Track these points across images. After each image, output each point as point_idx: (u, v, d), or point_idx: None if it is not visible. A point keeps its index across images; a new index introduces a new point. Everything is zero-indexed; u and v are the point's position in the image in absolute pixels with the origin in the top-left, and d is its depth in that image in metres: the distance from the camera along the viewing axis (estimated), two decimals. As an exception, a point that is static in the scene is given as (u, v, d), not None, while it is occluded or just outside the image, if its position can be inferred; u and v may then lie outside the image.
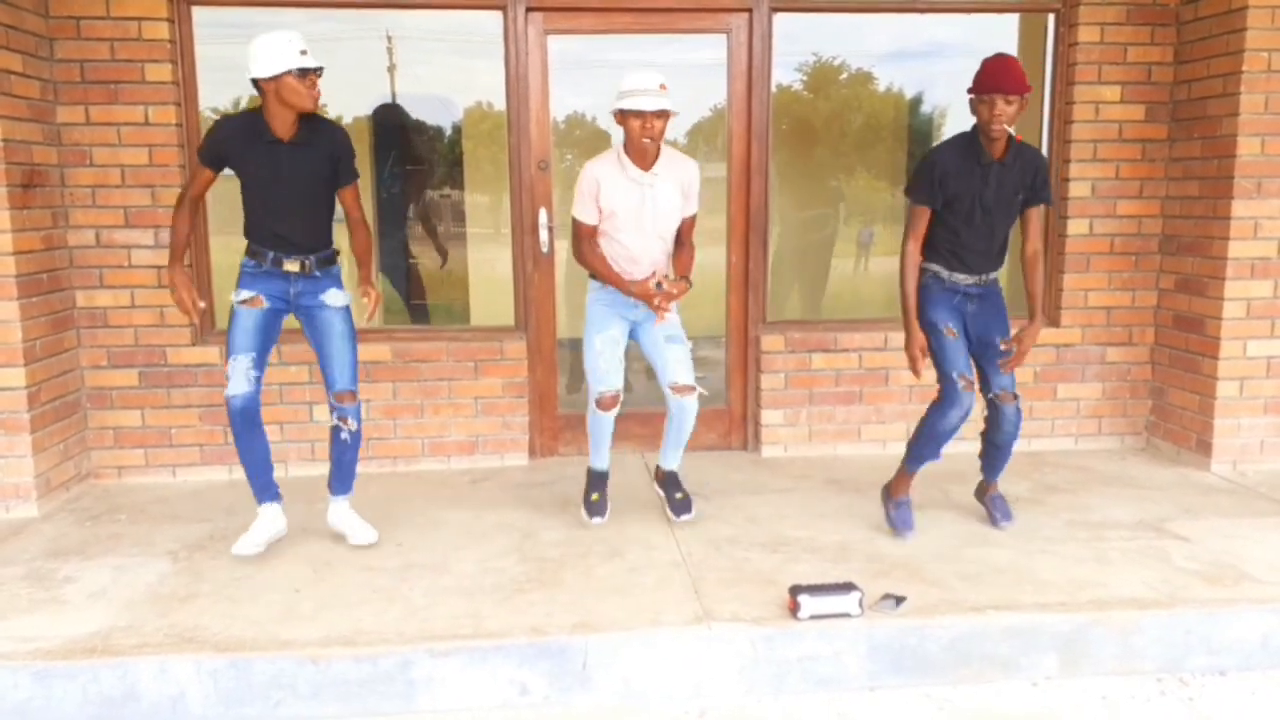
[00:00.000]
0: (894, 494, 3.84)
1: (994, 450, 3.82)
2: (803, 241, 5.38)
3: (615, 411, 3.75)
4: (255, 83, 3.29)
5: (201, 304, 3.48)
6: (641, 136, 3.47)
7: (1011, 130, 3.45)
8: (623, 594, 3.22)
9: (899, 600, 3.10)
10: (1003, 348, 3.63)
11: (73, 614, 3.11)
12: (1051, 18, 4.86)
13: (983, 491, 3.96)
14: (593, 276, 3.72)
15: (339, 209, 3.59)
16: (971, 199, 3.50)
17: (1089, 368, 4.97)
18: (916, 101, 5.36)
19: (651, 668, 2.94)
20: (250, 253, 3.50)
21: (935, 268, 3.64)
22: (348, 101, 4.97)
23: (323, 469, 4.62)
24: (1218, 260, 4.51)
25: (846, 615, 3.00)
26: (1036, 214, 3.59)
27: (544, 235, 4.75)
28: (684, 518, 3.85)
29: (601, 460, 3.94)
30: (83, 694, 2.79)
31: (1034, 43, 4.98)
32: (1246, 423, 4.60)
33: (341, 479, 3.73)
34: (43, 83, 4.22)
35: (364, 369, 4.60)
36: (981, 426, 3.85)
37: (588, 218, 3.63)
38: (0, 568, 3.52)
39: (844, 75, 5.30)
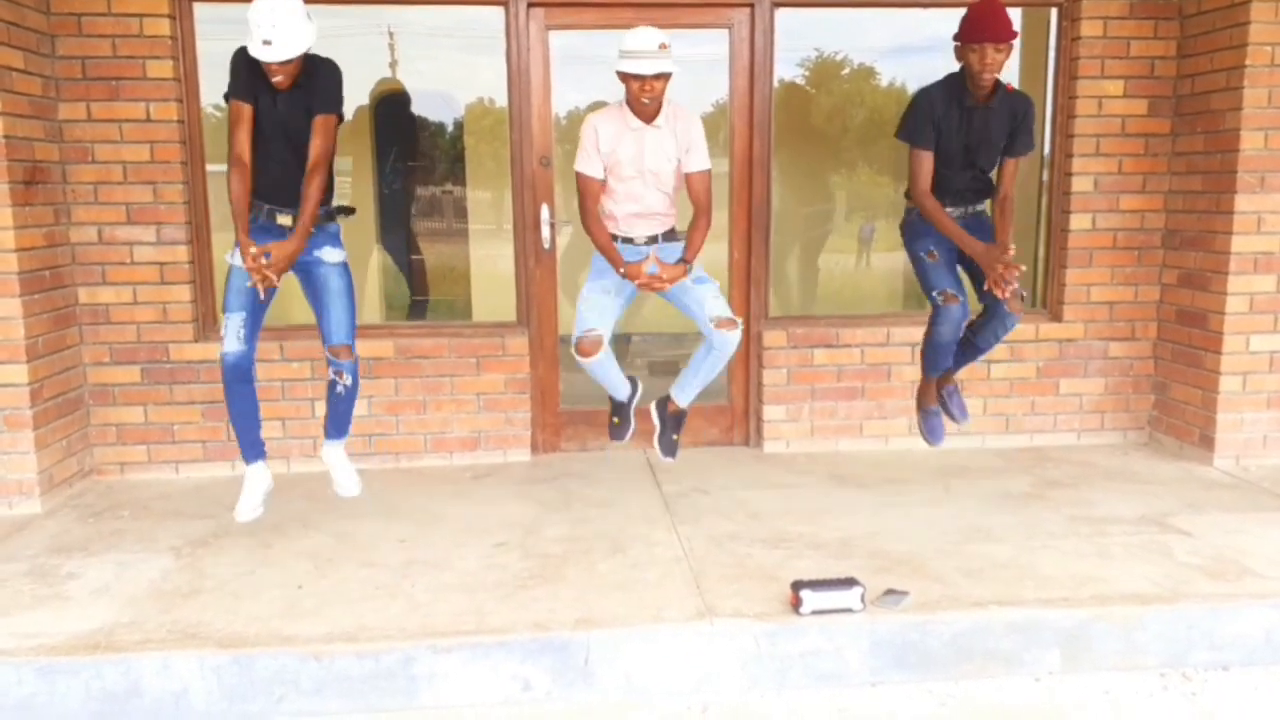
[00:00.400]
0: (922, 404, 3.90)
1: (968, 346, 3.83)
2: (804, 237, 5.37)
3: (598, 355, 3.67)
4: None
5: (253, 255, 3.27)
6: (640, 97, 3.48)
7: (1000, 77, 3.45)
8: (625, 590, 3.22)
9: (901, 595, 3.10)
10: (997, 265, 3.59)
11: (76, 610, 3.11)
12: (1054, 12, 4.85)
13: (949, 387, 3.97)
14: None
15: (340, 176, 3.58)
16: (952, 139, 3.53)
17: (1091, 363, 4.97)
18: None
19: (654, 663, 2.94)
20: (256, 193, 3.47)
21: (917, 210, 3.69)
22: (348, 96, 4.96)
23: (326, 466, 4.63)
24: (1220, 255, 4.50)
25: (849, 611, 3.00)
26: (1012, 164, 3.63)
27: (546, 231, 4.74)
28: (667, 460, 3.88)
29: (619, 391, 3.93)
30: (86, 690, 2.80)
31: (1037, 37, 4.97)
32: (1249, 417, 4.59)
33: (336, 424, 3.76)
34: (44, 79, 4.22)
35: (366, 365, 4.61)
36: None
37: (592, 170, 3.62)
38: (3, 564, 3.53)
39: (846, 70, 5.30)
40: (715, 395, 5.12)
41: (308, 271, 3.54)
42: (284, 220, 3.46)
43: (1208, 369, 4.61)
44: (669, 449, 3.91)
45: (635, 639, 2.94)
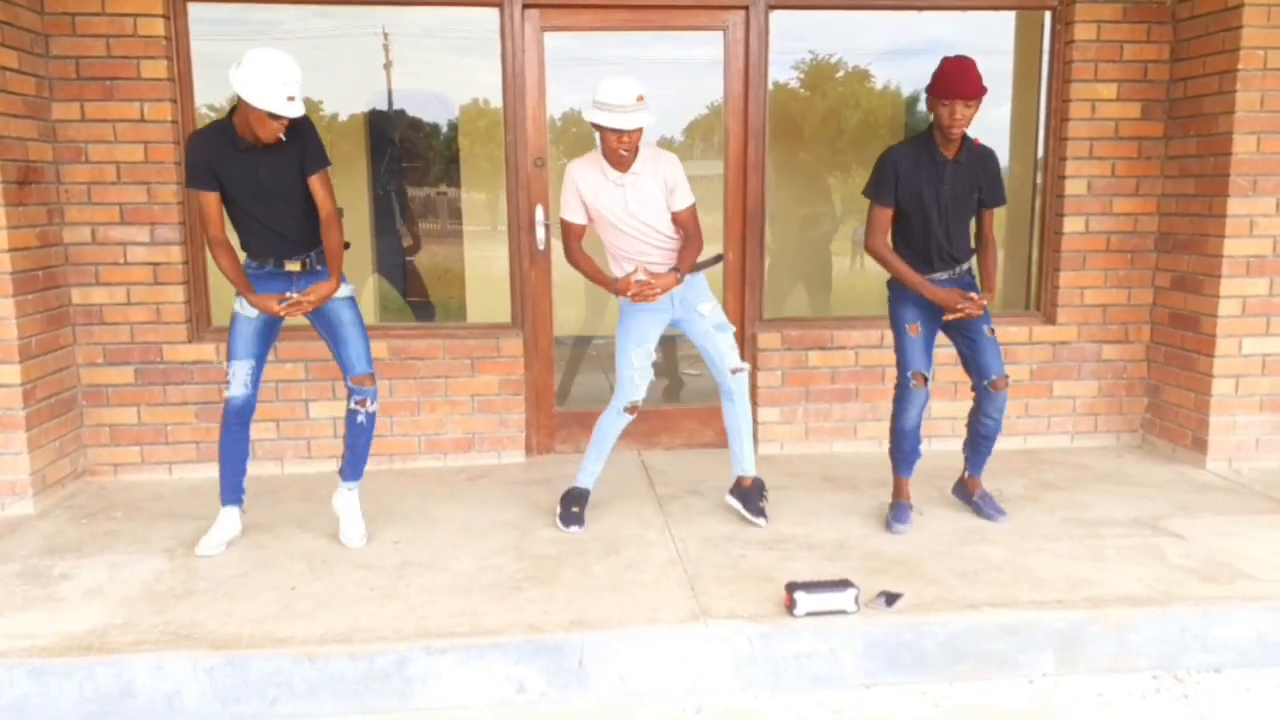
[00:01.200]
0: (893, 497, 3.90)
1: (980, 441, 3.89)
2: (799, 239, 5.38)
3: (633, 419, 3.83)
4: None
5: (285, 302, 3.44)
6: (619, 150, 3.47)
7: (968, 132, 3.53)
8: (619, 591, 3.22)
9: (895, 597, 3.11)
10: (988, 334, 3.70)
11: (69, 611, 3.10)
12: (1048, 15, 4.86)
13: (968, 490, 4.00)
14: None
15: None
16: (928, 196, 3.57)
17: (1085, 365, 4.98)
18: (914, 99, 5.37)
19: (648, 665, 2.94)
20: (252, 254, 3.52)
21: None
22: (344, 98, 4.97)
23: (320, 466, 4.64)
24: (1213, 258, 4.51)
25: (843, 612, 3.01)
26: (989, 214, 3.72)
27: (540, 233, 4.74)
28: (761, 521, 3.81)
29: (589, 477, 3.94)
30: (79, 691, 2.79)
31: (1031, 40, 4.99)
32: (1242, 420, 4.61)
33: (353, 463, 3.74)
34: (38, 79, 4.21)
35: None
36: (968, 421, 3.93)
37: (574, 217, 3.66)
38: (-4, 565, 3.52)
39: (841, 73, 5.31)
40: (709, 398, 5.13)
41: (319, 309, 3.56)
42: (292, 266, 3.51)
43: (1200, 372, 4.63)
44: (759, 513, 3.87)
45: (629, 640, 2.94)
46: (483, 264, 5.14)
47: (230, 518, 3.70)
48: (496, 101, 4.73)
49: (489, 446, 4.80)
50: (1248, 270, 4.48)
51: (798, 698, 2.94)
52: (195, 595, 3.22)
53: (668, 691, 2.94)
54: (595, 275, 3.71)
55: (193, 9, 4.44)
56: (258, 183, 3.37)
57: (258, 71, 3.15)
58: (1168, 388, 4.88)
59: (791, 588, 3.04)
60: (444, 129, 5.26)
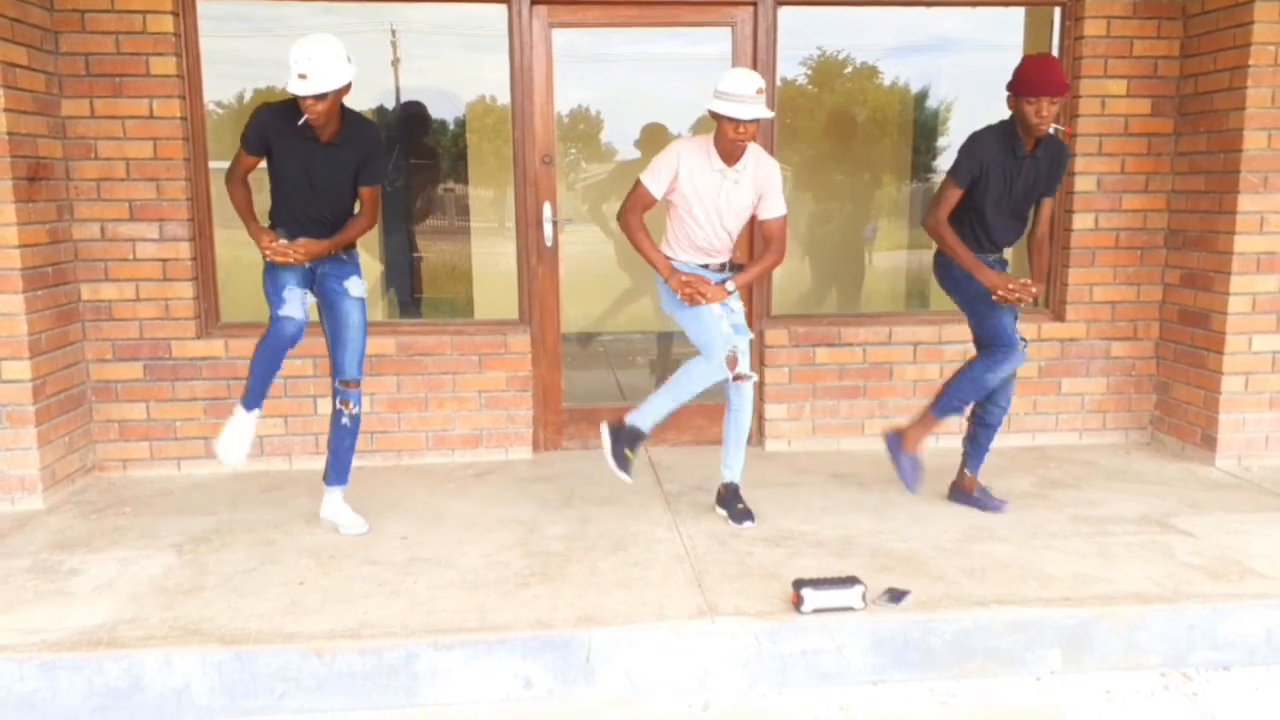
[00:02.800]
0: (908, 447, 3.90)
1: (982, 430, 3.92)
2: (812, 236, 5.38)
3: (734, 372, 3.74)
4: None
5: (281, 244, 3.46)
6: (734, 140, 3.50)
7: (1060, 128, 3.59)
8: (627, 588, 3.23)
9: (902, 594, 3.10)
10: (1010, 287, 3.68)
11: (78, 606, 3.12)
12: (1058, 11, 4.84)
13: (965, 490, 4.00)
14: (670, 258, 3.74)
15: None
16: (1003, 187, 3.61)
17: (1094, 362, 4.96)
18: (922, 96, 5.35)
19: (655, 661, 2.94)
20: (281, 226, 3.55)
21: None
22: (351, 95, 4.96)
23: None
24: (1223, 255, 4.49)
25: (850, 609, 3.00)
26: (1048, 204, 3.75)
27: (548, 229, 4.74)
28: (746, 525, 3.78)
29: (652, 420, 3.84)
30: (88, 686, 2.80)
31: (1040, 36, 4.97)
32: (1251, 417, 4.59)
33: (338, 468, 3.77)
34: (48, 76, 4.22)
35: (368, 362, 4.59)
36: (972, 411, 3.95)
37: (654, 187, 3.63)
38: (6, 560, 3.53)
39: (849, 69, 5.30)
40: (716, 395, 5.12)
41: (332, 302, 3.61)
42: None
43: (1210, 369, 4.61)
44: (742, 516, 3.82)
45: (637, 637, 2.95)
46: (490, 260, 5.15)
47: (250, 420, 3.68)
48: (504, 98, 4.73)
49: (496, 443, 4.81)
50: (1258, 267, 4.46)
51: (805, 694, 2.94)
52: (204, 590, 3.23)
53: (675, 688, 2.94)
54: (648, 249, 3.67)
55: (202, 6, 4.45)
56: (310, 170, 3.43)
57: (291, 52, 3.22)
58: (1177, 385, 4.86)
59: (798, 584, 3.04)
60: (451, 125, 5.26)
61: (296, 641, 2.87)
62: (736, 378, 3.74)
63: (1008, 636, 3.02)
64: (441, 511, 4.02)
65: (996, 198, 3.63)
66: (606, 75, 5.12)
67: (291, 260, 3.45)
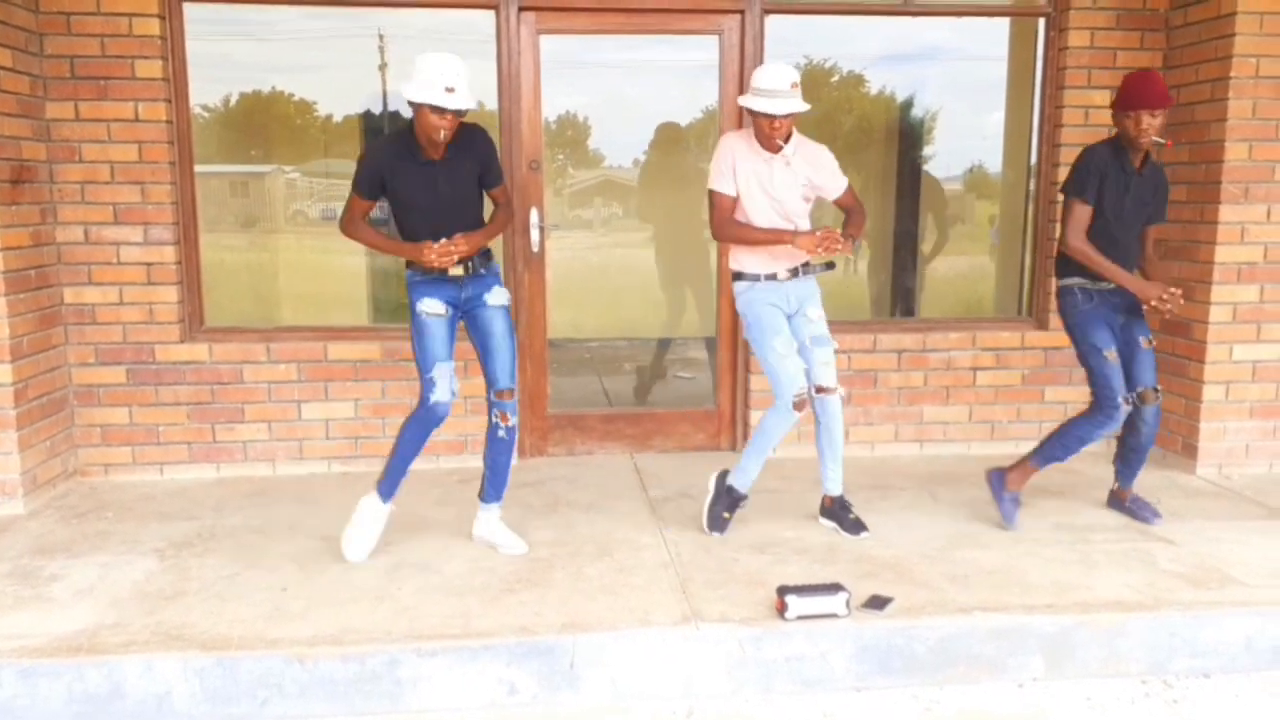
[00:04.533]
0: (1009, 486, 3.91)
1: (1133, 454, 3.93)
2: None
3: (801, 415, 3.65)
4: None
5: (442, 244, 3.35)
6: (773, 136, 3.50)
7: (1161, 141, 3.56)
8: (612, 594, 3.23)
9: (886, 601, 3.11)
10: (1145, 346, 3.76)
11: (59, 612, 3.10)
12: (1042, 22, 4.88)
13: (1120, 499, 4.04)
14: (740, 277, 3.70)
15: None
16: (1114, 203, 3.63)
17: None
18: (908, 104, 5.38)
19: (639, 667, 2.94)
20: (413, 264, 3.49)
21: (1079, 281, 3.73)
22: (339, 100, 4.96)
23: (311, 467, 4.64)
24: (1205, 265, 4.53)
25: (834, 616, 3.01)
26: (1153, 231, 3.80)
27: (535, 235, 4.75)
28: (863, 535, 3.74)
29: (748, 477, 3.81)
30: (68, 692, 2.78)
31: (1024, 46, 5.01)
32: (1232, 426, 4.63)
33: (495, 484, 3.66)
34: (32, 78, 4.20)
35: (352, 368, 4.61)
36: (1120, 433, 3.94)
37: (726, 188, 3.62)
38: (-14, 565, 3.51)
39: (836, 78, 5.32)
40: (702, 401, 5.14)
41: (474, 315, 3.53)
42: (456, 271, 3.45)
43: (1191, 378, 4.65)
44: (855, 527, 3.80)
45: (621, 643, 2.94)
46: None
47: (384, 514, 3.63)
48: (492, 104, 4.73)
49: (481, 448, 4.78)
50: (1239, 277, 4.50)
51: (789, 701, 2.94)
52: (186, 596, 3.21)
53: (659, 694, 2.94)
54: (765, 236, 3.59)
55: (188, 9, 4.44)
56: (435, 193, 3.37)
57: (418, 71, 3.18)
58: (1159, 393, 4.89)
59: (783, 591, 3.04)
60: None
61: (279, 647, 2.86)
62: (819, 390, 3.68)
63: (991, 643, 3.03)
64: (426, 517, 4.01)
65: (1111, 215, 3.62)
66: (594, 81, 5.12)
67: (457, 257, 3.35)
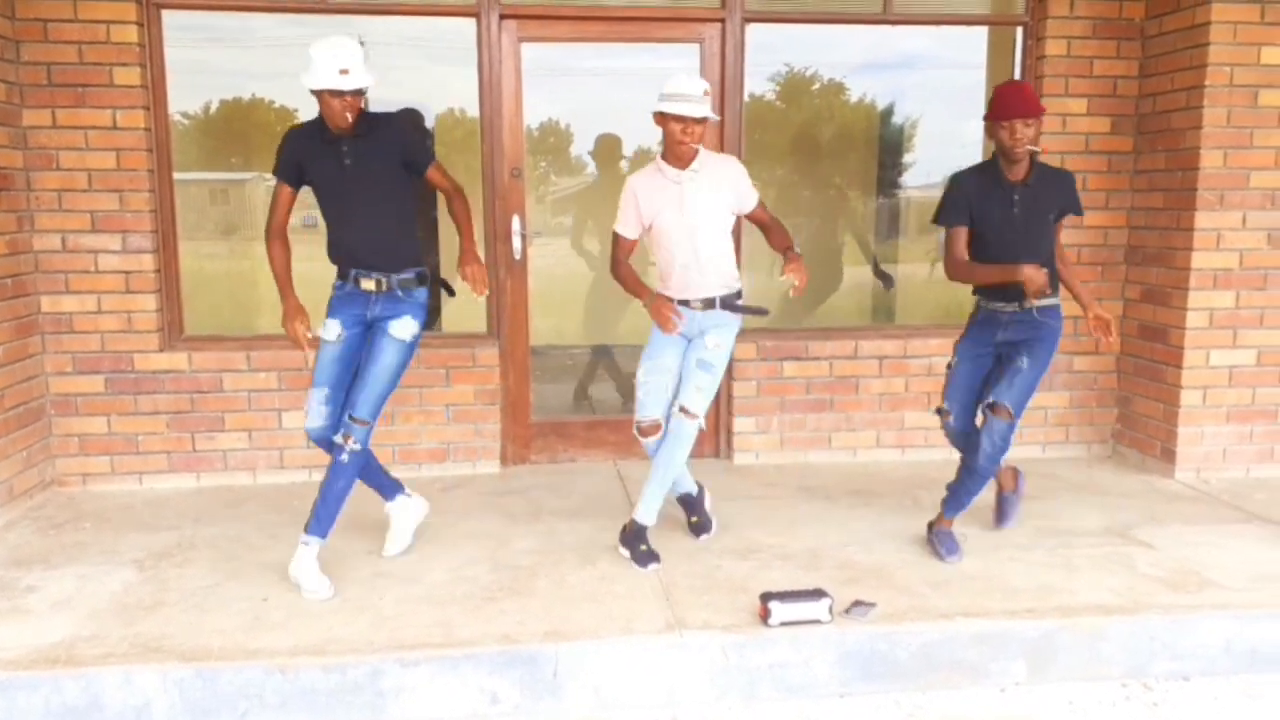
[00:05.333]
0: (1005, 487, 3.95)
1: (965, 472, 3.63)
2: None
3: (655, 439, 3.65)
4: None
5: (311, 335, 3.37)
6: (681, 141, 3.47)
7: (1036, 149, 3.49)
8: (595, 602, 3.22)
9: (869, 607, 3.12)
10: (1017, 364, 3.55)
11: (35, 623, 3.06)
12: (1020, 31, 4.93)
13: (944, 529, 3.71)
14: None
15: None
16: (1000, 220, 3.51)
17: (1056, 376, 5.03)
18: (888, 112, 5.41)
19: (622, 676, 2.94)
20: (338, 273, 3.46)
21: (978, 295, 3.69)
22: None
23: (292, 476, 4.62)
24: (1181, 271, 4.58)
25: (817, 622, 3.02)
26: (1057, 227, 3.61)
27: (517, 242, 4.74)
28: (652, 567, 3.53)
29: (647, 513, 3.62)
30: (45, 705, 2.75)
31: (1003, 55, 5.05)
32: (1210, 431, 4.67)
33: (320, 514, 3.33)
34: (8, 85, 4.16)
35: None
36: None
37: (626, 231, 3.64)
38: (-39, 577, 3.47)
39: (816, 86, 5.35)
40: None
41: (373, 337, 3.41)
42: (368, 285, 3.37)
43: (1169, 383, 4.69)
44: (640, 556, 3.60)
45: (604, 651, 2.94)
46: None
47: (408, 507, 3.66)
48: (474, 111, 4.73)
49: (464, 457, 4.79)
50: (1215, 283, 4.55)
51: (772, 708, 2.94)
52: (165, 607, 3.18)
53: (642, 702, 2.94)
54: (635, 287, 3.66)
55: (167, 16, 4.42)
56: (342, 176, 3.31)
57: (313, 55, 3.18)
58: (1137, 399, 4.94)
59: (766, 597, 3.05)
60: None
61: (259, 658, 2.84)
62: (680, 409, 3.55)
63: (973, 648, 3.05)
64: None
65: (1001, 234, 3.51)
66: (576, 89, 5.13)
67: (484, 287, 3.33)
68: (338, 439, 3.36)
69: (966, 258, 3.56)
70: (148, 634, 2.98)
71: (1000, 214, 3.51)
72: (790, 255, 3.55)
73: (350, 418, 3.35)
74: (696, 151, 3.55)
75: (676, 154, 3.53)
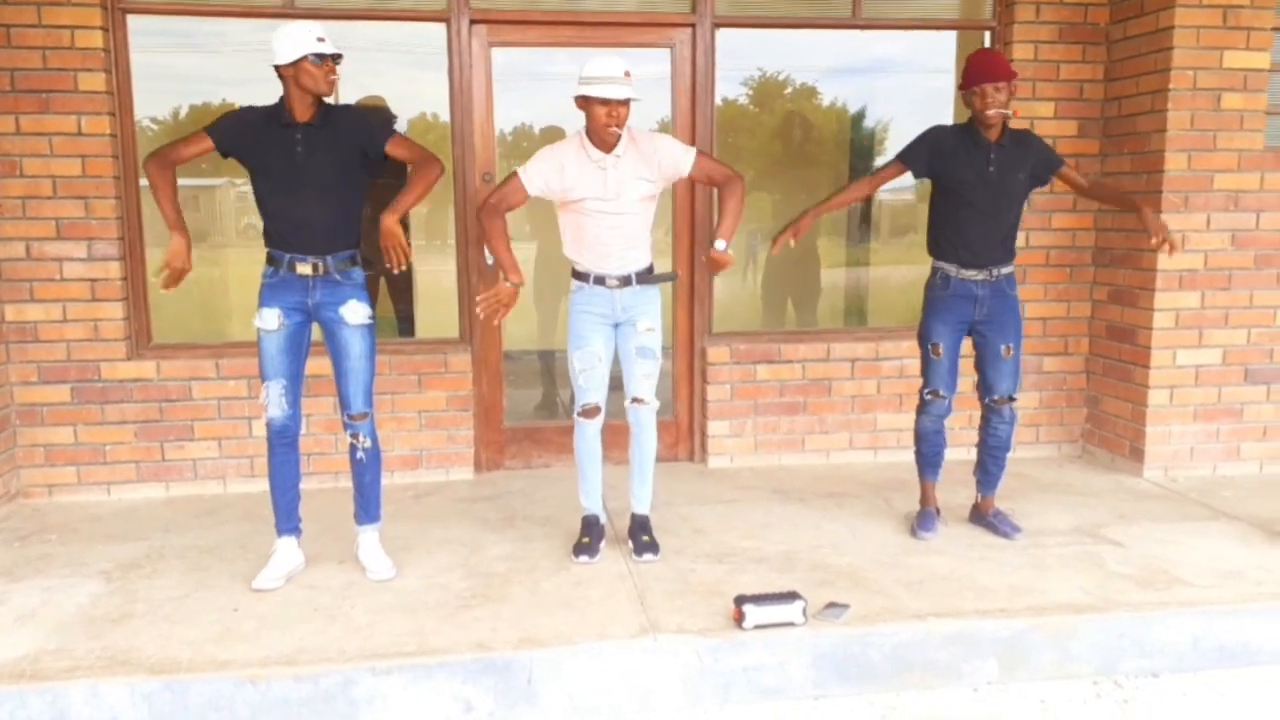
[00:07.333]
0: (920, 504, 3.99)
1: (988, 460, 3.93)
2: (753, 253, 5.43)
3: (598, 421, 3.64)
4: (278, 71, 3.21)
5: (188, 271, 3.31)
6: (607, 125, 3.36)
7: (1008, 113, 3.57)
8: (569, 608, 3.21)
9: (842, 609, 3.13)
10: (1004, 355, 3.75)
11: None
12: (988, 35, 4.98)
13: (980, 512, 3.99)
14: (576, 274, 3.61)
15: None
16: (975, 178, 3.63)
17: (1026, 377, 5.05)
18: (859, 116, 5.44)
19: (597, 681, 2.93)
20: (269, 259, 3.37)
21: (945, 265, 3.75)
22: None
23: (262, 485, 4.53)
24: (1148, 272, 4.63)
25: (791, 624, 3.02)
26: (1069, 174, 3.76)
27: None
28: (646, 557, 3.63)
29: (590, 499, 3.74)
30: (10, 720, 2.71)
31: (971, 59, 5.08)
32: (1177, 430, 4.73)
33: (366, 504, 3.56)
34: (-30, 91, 4.11)
35: (306, 383, 4.53)
36: (976, 437, 3.99)
37: (530, 185, 3.47)
38: (-77, 591, 3.41)
39: (788, 90, 5.37)
40: (660, 411, 5.12)
41: (331, 331, 3.39)
42: (304, 269, 3.31)
43: (1137, 383, 4.74)
44: (644, 548, 3.67)
45: (579, 657, 2.93)
46: (431, 278, 5.10)
47: (288, 549, 3.50)
48: (445, 115, 4.71)
49: (437, 463, 4.76)
50: (1180, 284, 4.61)
51: (747, 711, 2.95)
52: (133, 619, 3.14)
53: (617, 708, 2.93)
54: (501, 247, 3.49)
55: (132, 21, 4.37)
56: (291, 164, 3.25)
57: (285, 34, 3.18)
58: (1106, 398, 4.99)
59: (740, 601, 3.05)
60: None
61: (230, 669, 2.81)
62: (633, 400, 3.62)
63: (945, 649, 3.06)
64: (380, 534, 3.95)
65: (971, 192, 3.60)
66: (548, 93, 5.11)
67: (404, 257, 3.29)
68: (350, 439, 3.48)
69: (870, 194, 3.85)
70: (115, 646, 2.94)
71: (976, 174, 3.63)
72: (722, 228, 3.50)
73: (350, 417, 3.44)
74: (619, 136, 3.44)
75: (602, 138, 3.42)
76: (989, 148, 3.61)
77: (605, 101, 3.34)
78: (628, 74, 3.36)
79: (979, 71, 3.52)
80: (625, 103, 3.36)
